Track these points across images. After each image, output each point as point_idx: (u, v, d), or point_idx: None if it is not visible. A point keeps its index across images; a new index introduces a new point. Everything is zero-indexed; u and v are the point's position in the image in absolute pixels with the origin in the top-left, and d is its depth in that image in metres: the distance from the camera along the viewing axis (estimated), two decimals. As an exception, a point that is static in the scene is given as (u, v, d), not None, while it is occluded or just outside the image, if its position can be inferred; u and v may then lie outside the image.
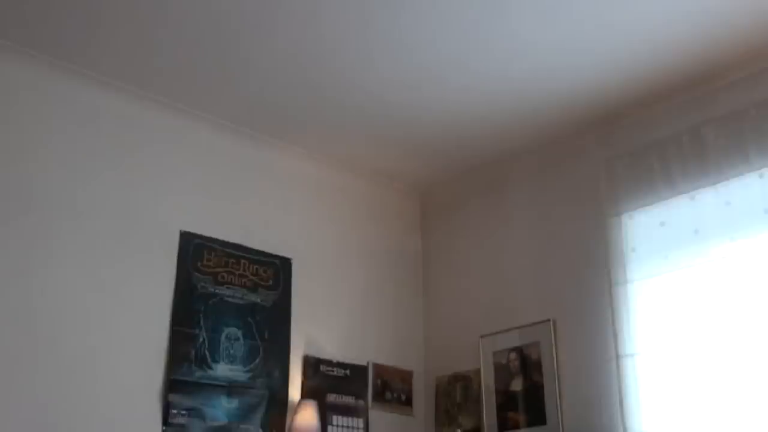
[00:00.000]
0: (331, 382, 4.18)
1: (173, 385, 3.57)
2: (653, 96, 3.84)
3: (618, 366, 3.65)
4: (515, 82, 3.78)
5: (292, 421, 3.82)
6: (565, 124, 4.14)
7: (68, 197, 3.52)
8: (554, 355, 3.96)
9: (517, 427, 4.02)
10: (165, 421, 3.51)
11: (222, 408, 3.70)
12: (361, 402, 4.27)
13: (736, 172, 3.47)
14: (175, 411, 3.55)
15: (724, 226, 3.44)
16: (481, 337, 4.31)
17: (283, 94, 3.90)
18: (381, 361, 4.43)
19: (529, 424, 3.97)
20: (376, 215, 4.76)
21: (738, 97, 3.55)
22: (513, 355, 4.15)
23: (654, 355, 3.55)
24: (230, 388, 3.76)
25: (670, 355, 3.50)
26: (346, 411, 4.19)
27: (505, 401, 4.11)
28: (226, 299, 3.89)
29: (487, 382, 4.22)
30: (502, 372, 4.17)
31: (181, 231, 3.83)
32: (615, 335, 3.70)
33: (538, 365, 4.02)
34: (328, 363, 4.20)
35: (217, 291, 3.87)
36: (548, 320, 4.04)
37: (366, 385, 4.32)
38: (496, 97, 3.90)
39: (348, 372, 4.27)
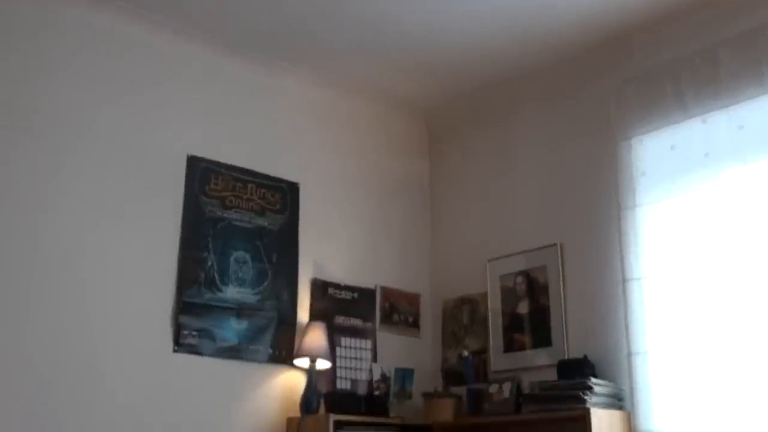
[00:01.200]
0: (339, 305, 4.23)
1: (184, 306, 3.62)
2: (666, 17, 3.74)
3: (624, 290, 3.67)
4: (524, 1, 3.69)
5: (301, 342, 3.88)
6: (576, 46, 4.05)
7: (74, 122, 3.49)
8: (561, 279, 3.99)
9: (523, 348, 4.08)
10: (176, 342, 3.57)
11: (232, 329, 3.76)
12: (369, 324, 4.33)
13: (749, 94, 3.40)
14: (186, 332, 3.60)
15: (736, 149, 3.40)
16: (488, 260, 4.34)
17: (289, 17, 3.82)
18: (388, 284, 4.47)
19: (535, 346, 4.03)
20: (384, 140, 4.73)
21: (753, 18, 3.46)
22: (520, 279, 4.18)
23: (661, 279, 3.56)
24: (239, 310, 3.81)
25: (677, 278, 3.51)
26: (354, 333, 4.25)
27: (511, 323, 4.16)
28: (234, 223, 3.90)
29: (494, 305, 4.26)
30: (508, 295, 4.21)
31: (187, 155, 3.82)
32: (622, 259, 3.71)
33: (544, 289, 4.05)
34: (336, 286, 4.25)
35: (225, 215, 3.88)
36: (555, 244, 4.05)
37: (373, 308, 4.38)
38: (505, 17, 3.82)
39: (356, 295, 4.32)
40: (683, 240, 3.53)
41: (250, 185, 4.00)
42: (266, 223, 4.03)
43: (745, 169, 3.37)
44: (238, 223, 3.92)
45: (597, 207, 3.92)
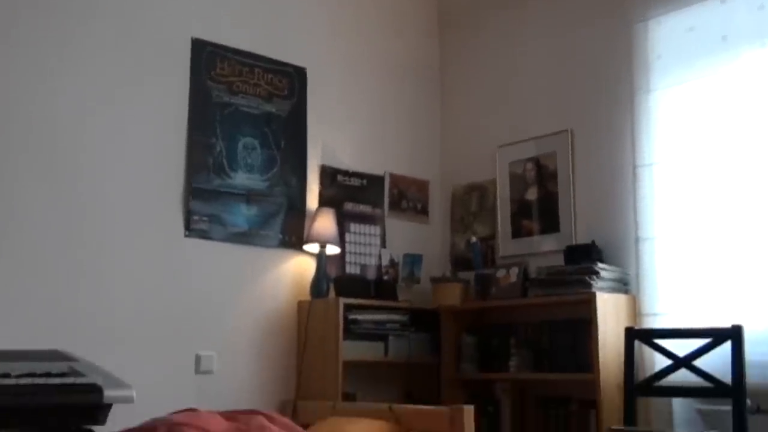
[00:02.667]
0: (347, 192, 4.23)
1: (193, 192, 3.63)
2: None
3: (634, 176, 3.65)
4: None
5: (310, 227, 3.91)
6: None
7: (77, 4, 3.39)
8: (570, 165, 3.97)
9: (531, 234, 4.11)
10: (187, 227, 3.60)
11: (242, 215, 3.78)
12: (378, 210, 4.35)
13: (774, -28, 3.28)
14: (196, 217, 3.63)
15: (755, 31, 3.30)
16: (498, 147, 4.31)
17: None
18: (397, 171, 4.46)
19: (543, 232, 4.05)
20: (394, 23, 4.61)
21: None
22: (529, 165, 4.16)
23: (672, 166, 3.53)
24: (249, 196, 3.82)
25: (689, 165, 3.48)
26: (363, 219, 4.27)
27: (520, 210, 4.17)
28: (241, 109, 3.86)
29: (503, 191, 4.26)
30: (517, 182, 4.20)
31: (192, 38, 3.73)
32: (633, 145, 3.67)
33: (553, 175, 4.04)
34: (345, 173, 4.24)
35: (232, 100, 3.83)
36: (566, 130, 4.01)
37: (382, 195, 4.38)
38: None
39: (365, 182, 4.32)
40: (697, 125, 3.48)
41: (257, 70, 3.93)
42: (274, 109, 3.98)
43: (763, 51, 3.27)
44: (245, 109, 3.87)
45: (610, 92, 3.85)
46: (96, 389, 1.51)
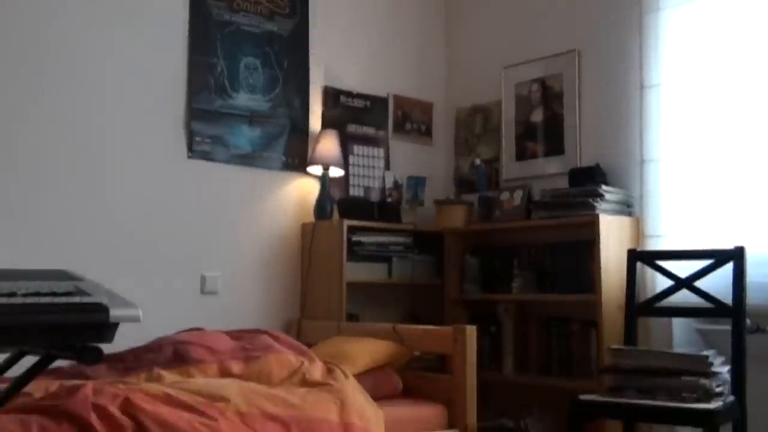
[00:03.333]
0: (351, 113, 4.19)
1: (195, 113, 3.60)
2: None
3: (641, 97, 3.60)
4: None
5: (314, 149, 3.89)
6: None
7: None
8: (577, 87, 3.91)
9: (535, 156, 4.08)
10: (190, 148, 3.58)
11: (244, 136, 3.75)
12: (381, 132, 4.31)
13: None
14: (198, 138, 3.60)
15: (771, -54, 3.20)
16: (504, 67, 4.24)
17: None
18: (401, 92, 4.41)
19: (547, 154, 4.03)
20: (397, -62, 4.48)
21: None
22: (535, 87, 4.10)
23: (679, 86, 3.48)
24: (251, 118, 3.78)
25: (697, 85, 3.43)
26: (367, 141, 4.25)
27: (525, 132, 4.14)
28: (242, 28, 3.78)
29: (508, 113, 4.22)
30: (522, 103, 4.15)
31: (190, -46, 3.64)
32: (641, 65, 3.61)
33: (559, 96, 3.99)
34: (348, 94, 4.19)
35: (232, 19, 3.75)
36: (573, 50, 3.93)
37: (386, 116, 4.34)
38: None
39: (368, 103, 4.27)
40: (707, 45, 3.41)
41: (257, -13, 3.85)
42: (275, 28, 3.90)
43: (779, -33, 3.18)
44: (246, 28, 3.80)
45: (619, 10, 3.76)
46: (102, 308, 1.51)
